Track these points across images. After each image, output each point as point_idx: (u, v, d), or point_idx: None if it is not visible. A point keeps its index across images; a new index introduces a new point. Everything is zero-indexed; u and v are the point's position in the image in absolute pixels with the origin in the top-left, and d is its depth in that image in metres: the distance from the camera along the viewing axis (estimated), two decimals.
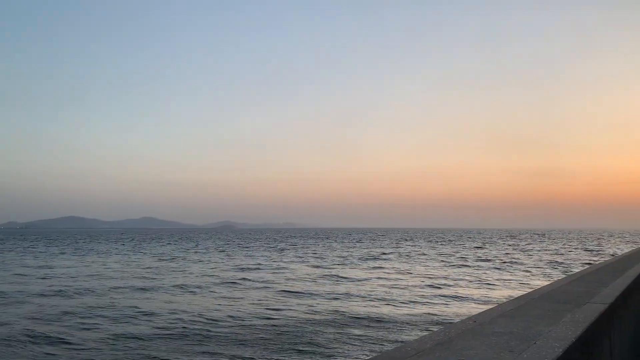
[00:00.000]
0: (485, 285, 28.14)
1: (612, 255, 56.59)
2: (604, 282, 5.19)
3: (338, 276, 29.31)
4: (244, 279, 26.49)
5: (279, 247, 70.95)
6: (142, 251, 58.81)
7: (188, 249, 63.41)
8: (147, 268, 34.96)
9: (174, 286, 22.89)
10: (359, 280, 27.44)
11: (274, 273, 30.79)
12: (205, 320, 15.13)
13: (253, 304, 18.50)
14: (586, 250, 61.81)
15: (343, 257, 50.17)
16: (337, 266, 36.88)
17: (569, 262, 44.39)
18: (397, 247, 71.67)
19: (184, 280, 26.16)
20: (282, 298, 19.89)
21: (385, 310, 17.35)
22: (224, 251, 59.71)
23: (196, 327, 14.19)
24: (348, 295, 21.68)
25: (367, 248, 70.50)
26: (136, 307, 17.33)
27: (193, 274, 29.42)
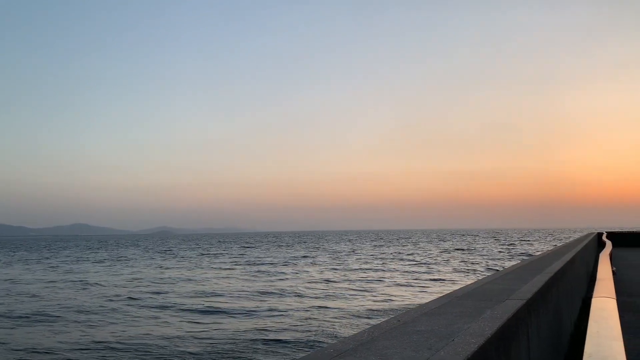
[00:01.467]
0: (416, 285, 28.84)
1: (523, 254, 60.00)
2: (524, 279, 5.40)
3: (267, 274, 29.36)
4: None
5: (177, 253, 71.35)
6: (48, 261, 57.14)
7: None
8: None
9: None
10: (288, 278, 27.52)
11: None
12: None
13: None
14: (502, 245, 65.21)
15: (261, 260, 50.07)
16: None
17: (493, 264, 46.35)
18: (319, 251, 72.82)
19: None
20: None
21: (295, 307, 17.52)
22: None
23: None
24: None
25: (296, 251, 71.08)
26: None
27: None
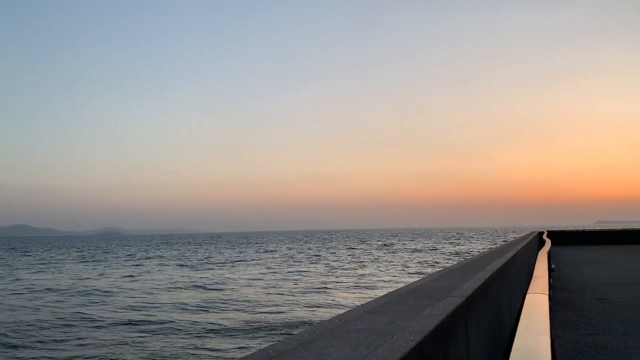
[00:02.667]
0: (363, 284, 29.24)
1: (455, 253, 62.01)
2: (467, 276, 5.52)
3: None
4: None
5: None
6: None
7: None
8: None
9: None
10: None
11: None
12: None
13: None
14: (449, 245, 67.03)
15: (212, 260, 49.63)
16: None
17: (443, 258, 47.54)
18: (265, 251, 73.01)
19: None
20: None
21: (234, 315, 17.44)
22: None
23: None
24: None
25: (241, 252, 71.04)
26: None
27: None
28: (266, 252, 74.24)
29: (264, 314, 19.72)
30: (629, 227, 46.64)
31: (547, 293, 3.40)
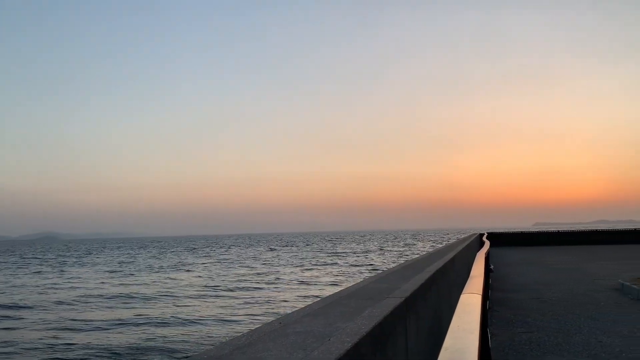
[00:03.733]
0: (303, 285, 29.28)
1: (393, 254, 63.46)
2: (407, 278, 5.61)
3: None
4: None
5: None
6: None
7: None
8: None
9: None
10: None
11: None
12: None
13: None
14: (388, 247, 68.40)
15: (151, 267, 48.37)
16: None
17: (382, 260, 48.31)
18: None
19: None
20: None
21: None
22: None
23: None
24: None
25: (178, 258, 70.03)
26: None
27: None
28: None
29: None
30: (563, 229, 49.05)
31: (481, 293, 3.50)
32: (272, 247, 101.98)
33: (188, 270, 45.95)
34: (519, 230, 50.46)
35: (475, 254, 15.37)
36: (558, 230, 46.57)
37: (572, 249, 36.42)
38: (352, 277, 35.30)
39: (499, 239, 44.79)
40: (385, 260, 51.99)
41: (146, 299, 26.57)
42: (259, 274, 39.66)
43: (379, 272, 6.67)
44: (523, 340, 8.44)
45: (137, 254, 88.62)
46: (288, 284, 31.81)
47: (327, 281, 32.79)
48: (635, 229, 44.77)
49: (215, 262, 55.53)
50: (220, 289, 29.65)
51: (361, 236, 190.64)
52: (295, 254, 72.19)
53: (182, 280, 36.28)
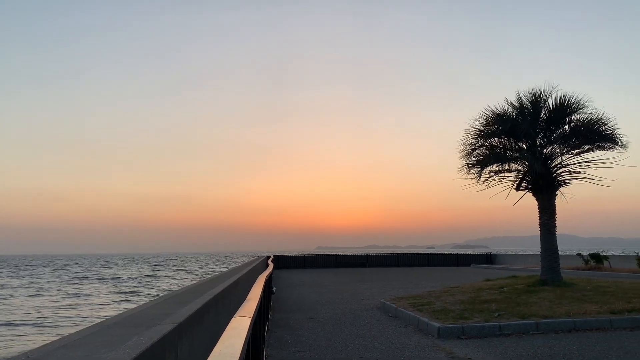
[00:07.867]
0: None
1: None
2: (185, 302, 5.48)
3: None
4: None
5: None
6: None
7: None
8: None
9: None
10: None
11: None
12: None
13: None
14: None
15: None
16: None
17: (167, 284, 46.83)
18: None
19: None
20: None
21: None
22: None
23: None
24: None
25: None
26: None
27: None
28: None
29: None
30: (341, 253, 53.65)
31: (251, 315, 3.59)
32: None
33: None
34: (303, 253, 53.67)
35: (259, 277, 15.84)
36: (336, 254, 50.78)
37: (347, 271, 40.08)
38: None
39: (284, 262, 47.01)
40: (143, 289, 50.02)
41: None
42: None
43: (154, 297, 6.38)
44: (297, 359, 8.90)
45: None
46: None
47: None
48: (397, 254, 51.32)
49: None
50: None
51: (139, 259, 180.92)
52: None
53: None
